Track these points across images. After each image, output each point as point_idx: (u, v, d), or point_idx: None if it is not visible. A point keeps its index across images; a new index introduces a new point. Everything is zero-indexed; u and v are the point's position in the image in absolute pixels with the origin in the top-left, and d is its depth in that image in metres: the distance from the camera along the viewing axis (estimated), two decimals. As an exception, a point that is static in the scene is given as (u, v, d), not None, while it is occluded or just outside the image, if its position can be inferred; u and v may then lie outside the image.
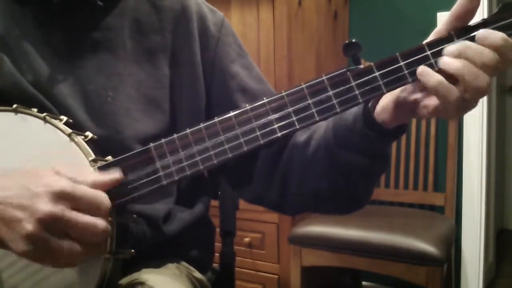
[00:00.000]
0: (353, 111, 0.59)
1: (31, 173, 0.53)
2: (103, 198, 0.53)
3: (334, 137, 0.61)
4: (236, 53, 0.78)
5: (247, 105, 0.57)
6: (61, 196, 0.50)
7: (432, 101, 0.52)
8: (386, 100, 0.56)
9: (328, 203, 0.68)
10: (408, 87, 0.54)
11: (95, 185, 0.54)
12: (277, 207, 0.73)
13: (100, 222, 0.52)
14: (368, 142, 0.58)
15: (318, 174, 0.65)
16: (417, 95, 0.53)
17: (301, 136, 0.68)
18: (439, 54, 0.51)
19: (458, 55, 0.49)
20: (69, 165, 0.55)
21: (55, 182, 0.51)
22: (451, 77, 0.50)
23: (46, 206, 0.49)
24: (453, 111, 0.51)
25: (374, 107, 0.57)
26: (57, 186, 0.50)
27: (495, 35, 0.48)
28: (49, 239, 0.50)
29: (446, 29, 0.52)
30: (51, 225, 0.49)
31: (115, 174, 0.56)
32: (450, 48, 0.50)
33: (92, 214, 0.52)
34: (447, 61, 0.50)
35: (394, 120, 0.56)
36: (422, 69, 0.51)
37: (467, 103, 0.50)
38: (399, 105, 0.55)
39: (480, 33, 0.49)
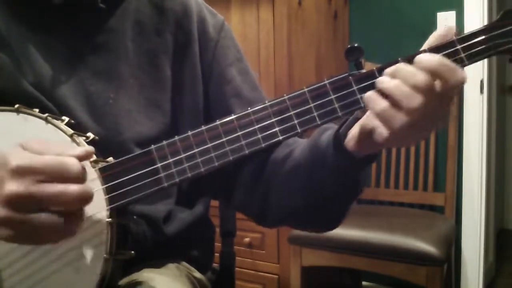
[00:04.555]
0: (329, 135, 0.59)
1: None
2: (69, 162, 0.50)
3: (309, 158, 0.62)
4: (234, 57, 0.78)
5: (249, 108, 0.57)
6: (20, 172, 0.48)
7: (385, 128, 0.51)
8: (355, 127, 0.56)
9: (304, 219, 0.69)
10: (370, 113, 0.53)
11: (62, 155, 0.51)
12: (257, 218, 0.73)
13: (70, 187, 0.49)
14: (339, 168, 0.58)
15: (294, 191, 0.65)
16: (375, 122, 0.51)
17: (282, 152, 0.68)
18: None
19: (393, 75, 0.50)
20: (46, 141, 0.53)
21: (12, 159, 0.48)
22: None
23: (8, 187, 0.47)
24: (401, 139, 0.51)
25: (346, 133, 0.57)
26: (13, 163, 0.48)
27: (430, 58, 0.49)
28: (25, 219, 0.48)
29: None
30: (20, 204, 0.48)
31: (86, 147, 0.54)
32: (388, 69, 0.51)
33: (60, 181, 0.49)
34: (381, 79, 0.51)
35: (361, 148, 0.55)
36: (368, 95, 0.51)
37: (419, 131, 0.50)
38: (362, 132, 0.54)
39: (417, 57, 0.49)
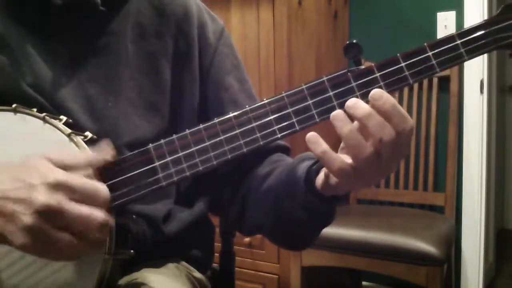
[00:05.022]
0: (303, 167, 0.59)
1: (26, 165, 0.52)
2: (101, 188, 0.52)
3: (283, 185, 0.63)
4: (232, 64, 0.79)
5: (247, 106, 0.57)
6: (57, 187, 0.49)
7: (343, 161, 0.50)
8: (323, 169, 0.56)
9: (271, 237, 0.72)
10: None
11: (92, 164, 0.54)
12: (235, 224, 0.76)
13: (97, 213, 0.50)
14: (307, 204, 0.59)
15: (265, 212, 0.67)
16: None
17: (264, 169, 0.70)
18: (438, 56, 0.51)
19: (352, 113, 0.49)
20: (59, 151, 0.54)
21: (51, 173, 0.50)
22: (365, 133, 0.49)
23: (42, 197, 0.48)
24: (353, 184, 0.51)
25: (319, 170, 0.57)
26: (53, 176, 0.49)
27: (388, 99, 0.48)
28: (47, 231, 0.49)
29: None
30: (48, 216, 0.49)
31: (105, 153, 0.55)
32: (348, 103, 0.50)
33: (90, 205, 0.50)
34: (336, 117, 0.50)
35: (325, 190, 0.56)
36: (335, 114, 0.50)
37: (382, 166, 0.50)
38: (325, 175, 0.55)
39: (374, 92, 0.49)
